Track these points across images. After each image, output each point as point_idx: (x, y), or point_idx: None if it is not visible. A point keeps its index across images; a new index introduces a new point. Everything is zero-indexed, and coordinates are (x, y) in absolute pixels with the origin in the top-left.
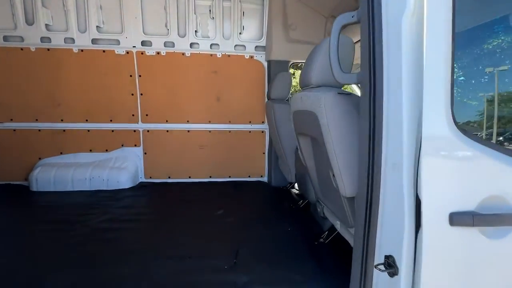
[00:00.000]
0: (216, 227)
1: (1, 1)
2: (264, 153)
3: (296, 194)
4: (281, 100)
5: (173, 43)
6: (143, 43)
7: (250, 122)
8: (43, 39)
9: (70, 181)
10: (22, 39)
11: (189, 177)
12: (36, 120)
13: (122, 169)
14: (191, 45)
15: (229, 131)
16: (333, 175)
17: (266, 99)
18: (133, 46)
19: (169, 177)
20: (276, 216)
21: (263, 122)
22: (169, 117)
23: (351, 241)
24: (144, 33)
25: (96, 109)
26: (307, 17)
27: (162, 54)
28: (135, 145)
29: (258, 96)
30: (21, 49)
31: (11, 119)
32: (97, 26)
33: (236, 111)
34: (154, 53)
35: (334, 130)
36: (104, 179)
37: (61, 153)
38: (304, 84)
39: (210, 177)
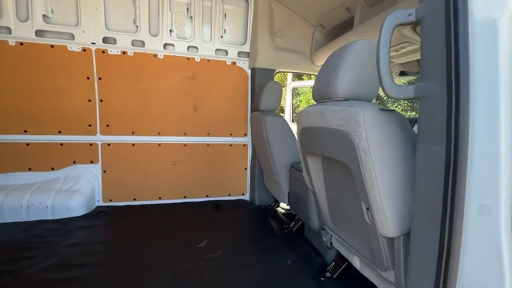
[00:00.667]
0: (197, 266)
1: None
2: (246, 169)
3: (284, 214)
4: (272, 112)
5: (143, 42)
6: (105, 39)
7: (231, 134)
8: None
9: None
10: None
11: (160, 198)
12: None
13: (73, 192)
14: (165, 46)
15: (208, 145)
16: (368, 208)
17: (250, 110)
18: (92, 43)
19: (134, 199)
20: (269, 244)
21: (245, 134)
22: (136, 129)
23: (374, 280)
24: (107, 28)
25: (40, 117)
26: (294, 24)
27: (129, 54)
28: (92, 162)
29: (240, 106)
30: None
31: None
32: (43, 15)
33: (215, 122)
34: (119, 53)
35: (377, 155)
36: (48, 205)
37: None
38: (324, 96)
39: (185, 197)
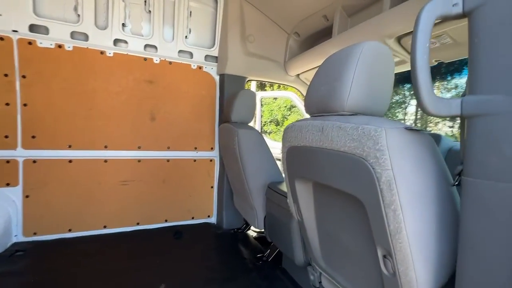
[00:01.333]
0: None
1: None
2: (212, 187)
3: (256, 238)
4: (245, 124)
5: (87, 36)
6: (33, 28)
7: (195, 148)
8: None
9: None
10: None
11: (105, 227)
12: None
13: None
14: (116, 42)
15: (167, 160)
16: (386, 256)
17: (218, 121)
18: (14, 31)
19: (70, 230)
20: (241, 281)
21: (212, 148)
22: (75, 141)
23: None
24: (35, 14)
25: None
26: (267, 30)
27: (67, 48)
28: (8, 185)
29: (207, 116)
30: None
31: None
32: None
33: (177, 134)
34: (53, 45)
35: (406, 191)
36: None
37: None
38: (323, 109)
39: (138, 223)
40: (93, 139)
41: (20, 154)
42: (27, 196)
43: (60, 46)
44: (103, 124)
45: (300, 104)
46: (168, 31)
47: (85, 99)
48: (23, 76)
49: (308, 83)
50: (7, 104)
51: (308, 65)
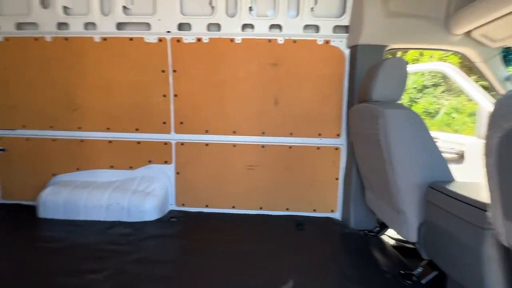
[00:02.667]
0: None
1: None
2: (337, 179)
3: (396, 247)
4: (393, 103)
5: (219, 26)
6: (180, 26)
7: (319, 135)
8: (60, 26)
9: (83, 209)
10: (36, 26)
11: (233, 207)
12: (51, 127)
13: (147, 194)
14: (243, 27)
15: (290, 147)
16: None
17: (347, 103)
18: (167, 32)
19: (207, 206)
20: None
21: (338, 135)
22: (211, 126)
23: None
24: (182, 13)
25: (120, 114)
26: None
27: (204, 41)
28: (166, 162)
29: (333, 98)
30: (35, 39)
31: (24, 126)
32: (123, 7)
33: (300, 119)
34: (194, 40)
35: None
36: (124, 207)
37: (77, 169)
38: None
39: (261, 208)
40: (224, 125)
41: (173, 137)
42: (177, 173)
43: (199, 40)
44: (232, 110)
45: (461, 78)
46: (293, 6)
47: (217, 88)
48: (174, 71)
49: (487, 42)
50: (164, 95)
51: (488, 15)
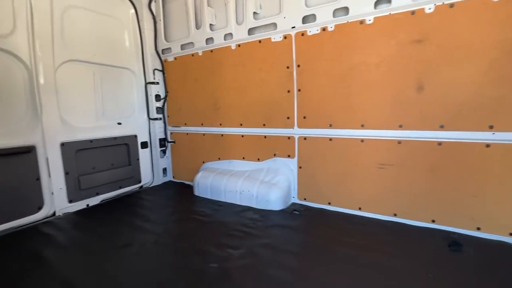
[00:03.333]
0: None
1: (179, 11)
2: None
3: None
4: None
5: (347, 9)
6: (305, 19)
7: (491, 127)
8: (208, 41)
9: (223, 192)
10: (193, 45)
11: (359, 208)
12: (202, 124)
13: (272, 185)
14: (376, 4)
15: (439, 143)
16: None
17: None
18: (292, 27)
19: (329, 203)
20: None
21: None
22: (334, 120)
23: None
24: (306, 5)
25: (250, 111)
26: None
27: (330, 29)
28: (289, 156)
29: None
30: (192, 55)
31: (185, 124)
32: (254, 13)
33: (458, 106)
34: (319, 30)
35: None
36: (253, 194)
37: (219, 158)
38: None
39: (395, 215)
40: (350, 118)
41: (296, 132)
42: (300, 167)
43: (323, 29)
44: (360, 101)
45: None
46: None
47: (343, 78)
48: (298, 66)
49: None
50: (288, 91)
51: None
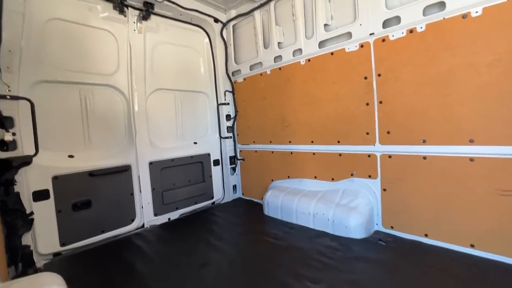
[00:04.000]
0: None
1: (249, 34)
2: None
3: None
4: None
5: (442, 4)
6: (386, 23)
7: None
8: (276, 59)
9: (295, 213)
10: (261, 64)
11: (472, 246)
12: (270, 142)
13: (351, 209)
14: None
15: None
16: None
17: None
18: (370, 34)
19: (426, 236)
20: None
21: None
22: (429, 135)
23: None
24: (387, 8)
25: (322, 127)
26: None
27: (419, 29)
28: (370, 176)
29: None
30: (261, 74)
31: (254, 141)
32: (324, 25)
33: None
34: (404, 33)
35: None
36: (329, 218)
37: (288, 176)
38: None
39: None
40: (453, 131)
41: (378, 149)
42: (384, 190)
43: (411, 31)
44: (467, 111)
45: None
46: None
47: (439, 84)
48: (379, 75)
49: None
50: (367, 104)
51: None
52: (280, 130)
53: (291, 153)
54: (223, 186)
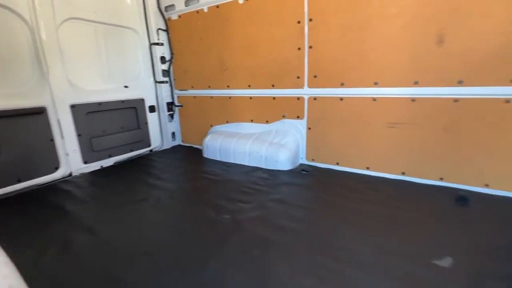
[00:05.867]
0: None
1: None
2: None
3: None
4: None
5: None
6: None
7: None
8: None
9: (232, 153)
10: (197, 0)
11: (367, 168)
12: (209, 87)
13: (281, 146)
14: None
15: (455, 100)
16: None
17: None
18: None
19: (337, 164)
20: None
21: None
22: (347, 79)
23: None
24: None
25: (259, 71)
26: None
27: None
28: (298, 117)
29: None
30: (197, 12)
31: (192, 86)
32: None
33: (481, 60)
34: None
35: None
36: (262, 155)
37: (227, 121)
38: None
39: (403, 174)
40: (364, 76)
41: (306, 92)
42: (309, 128)
43: None
44: (375, 57)
45: None
46: None
47: (359, 31)
48: (310, 20)
49: None
50: (299, 48)
51: None
52: (219, 74)
53: (230, 98)
54: (161, 133)
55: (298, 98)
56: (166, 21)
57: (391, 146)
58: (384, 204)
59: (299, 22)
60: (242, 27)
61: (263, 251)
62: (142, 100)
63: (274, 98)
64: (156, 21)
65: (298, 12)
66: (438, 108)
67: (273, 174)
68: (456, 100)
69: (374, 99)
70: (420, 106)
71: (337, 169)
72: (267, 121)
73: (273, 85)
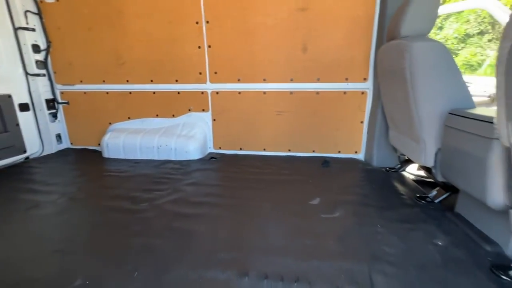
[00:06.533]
0: (313, 225)
1: None
2: (362, 123)
3: (415, 181)
4: (422, 36)
5: None
6: None
7: (346, 79)
8: None
9: (139, 149)
10: None
11: (264, 149)
12: (104, 81)
13: (190, 138)
14: None
15: (317, 93)
16: None
17: (375, 44)
18: None
19: (241, 149)
20: (401, 214)
21: (365, 79)
22: (242, 75)
23: None
24: None
25: (161, 66)
26: None
27: None
28: (203, 110)
29: (361, 41)
30: None
31: (81, 81)
32: None
33: (328, 65)
34: None
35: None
36: (171, 148)
37: (128, 118)
38: None
39: (289, 150)
40: (255, 73)
41: (209, 87)
42: (214, 120)
43: None
44: (262, 58)
45: (504, 15)
46: None
47: (249, 36)
48: (207, 22)
49: None
50: (199, 47)
51: None
52: (115, 68)
53: (130, 93)
54: (39, 136)
55: (202, 93)
56: (38, 3)
57: (279, 130)
58: (277, 174)
59: (197, 23)
60: (140, 21)
61: (184, 222)
62: (8, 96)
63: (179, 92)
64: (22, 2)
65: (195, 13)
66: (307, 98)
67: (185, 164)
68: (317, 93)
69: (264, 93)
70: (295, 98)
71: (241, 153)
72: (173, 115)
73: (176, 80)
